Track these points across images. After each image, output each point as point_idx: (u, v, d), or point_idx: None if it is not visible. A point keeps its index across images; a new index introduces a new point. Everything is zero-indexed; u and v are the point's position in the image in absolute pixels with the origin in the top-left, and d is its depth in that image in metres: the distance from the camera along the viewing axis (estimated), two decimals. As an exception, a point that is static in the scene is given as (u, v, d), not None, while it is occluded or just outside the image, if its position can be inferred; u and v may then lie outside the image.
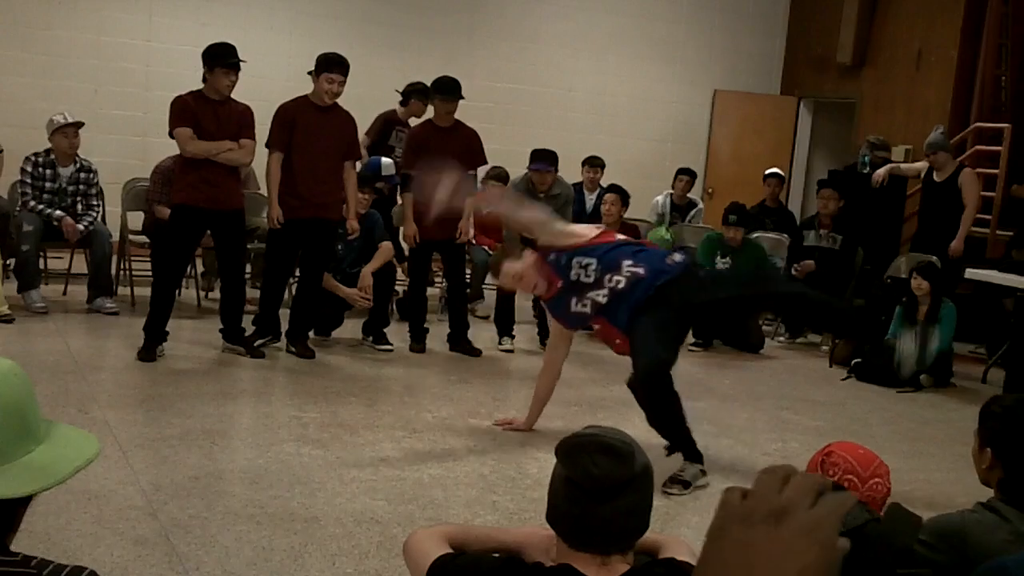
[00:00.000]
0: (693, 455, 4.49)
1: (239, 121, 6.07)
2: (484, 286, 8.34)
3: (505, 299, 7.19)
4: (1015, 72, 9.89)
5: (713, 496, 4.45)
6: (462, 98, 6.76)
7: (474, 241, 7.77)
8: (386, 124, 8.32)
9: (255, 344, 6.31)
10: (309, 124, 6.23)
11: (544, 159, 7.29)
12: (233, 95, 6.09)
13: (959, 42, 10.07)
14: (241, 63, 5.99)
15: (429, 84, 7.68)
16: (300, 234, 6.28)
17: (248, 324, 6.39)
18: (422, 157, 6.64)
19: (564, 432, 1.91)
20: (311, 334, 6.63)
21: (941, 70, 10.26)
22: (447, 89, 6.72)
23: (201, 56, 5.99)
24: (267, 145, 6.24)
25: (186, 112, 5.94)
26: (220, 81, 5.94)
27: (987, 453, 2.63)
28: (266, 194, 6.52)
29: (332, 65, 6.19)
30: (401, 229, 7.36)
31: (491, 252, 8.05)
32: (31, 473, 1.47)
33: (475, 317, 8.16)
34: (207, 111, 5.97)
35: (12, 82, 9.10)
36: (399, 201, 8.11)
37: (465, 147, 6.78)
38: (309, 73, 6.28)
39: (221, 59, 5.91)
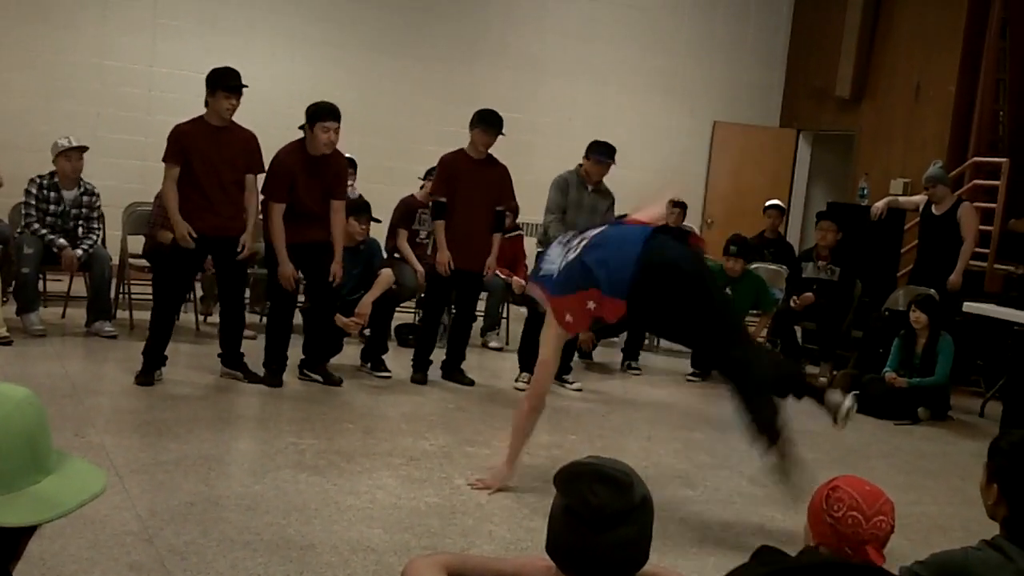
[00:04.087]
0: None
1: (244, 149, 6.09)
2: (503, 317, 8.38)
3: (532, 331, 6.42)
4: (1013, 107, 9.94)
5: (710, 527, 4.44)
6: (502, 134, 6.66)
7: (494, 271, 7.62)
8: (408, 209, 7.89)
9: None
10: (302, 170, 6.15)
11: (606, 151, 6.92)
12: (234, 120, 6.11)
13: (957, 76, 10.13)
14: (243, 87, 6.02)
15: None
16: (304, 257, 6.24)
17: (259, 356, 6.33)
18: (452, 186, 6.61)
19: (563, 462, 1.91)
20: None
21: (939, 104, 10.32)
22: (491, 121, 6.60)
23: (205, 80, 6.02)
24: (264, 194, 6.21)
25: (178, 145, 5.97)
26: (221, 104, 5.96)
27: (993, 489, 2.59)
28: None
29: (325, 114, 6.11)
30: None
31: (504, 278, 8.04)
32: (35, 504, 1.47)
33: (488, 348, 8.16)
34: (207, 136, 5.99)
35: (15, 104, 9.12)
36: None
37: (497, 182, 6.73)
38: (301, 127, 6.19)
39: (222, 82, 5.95)
